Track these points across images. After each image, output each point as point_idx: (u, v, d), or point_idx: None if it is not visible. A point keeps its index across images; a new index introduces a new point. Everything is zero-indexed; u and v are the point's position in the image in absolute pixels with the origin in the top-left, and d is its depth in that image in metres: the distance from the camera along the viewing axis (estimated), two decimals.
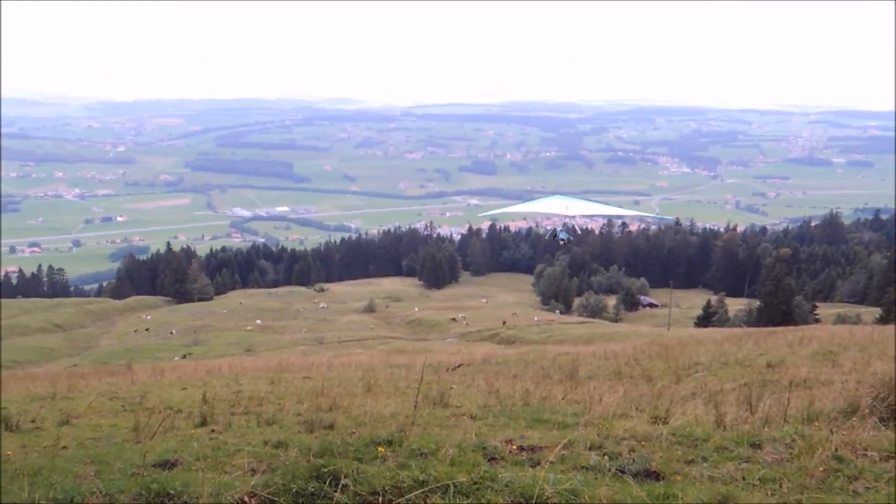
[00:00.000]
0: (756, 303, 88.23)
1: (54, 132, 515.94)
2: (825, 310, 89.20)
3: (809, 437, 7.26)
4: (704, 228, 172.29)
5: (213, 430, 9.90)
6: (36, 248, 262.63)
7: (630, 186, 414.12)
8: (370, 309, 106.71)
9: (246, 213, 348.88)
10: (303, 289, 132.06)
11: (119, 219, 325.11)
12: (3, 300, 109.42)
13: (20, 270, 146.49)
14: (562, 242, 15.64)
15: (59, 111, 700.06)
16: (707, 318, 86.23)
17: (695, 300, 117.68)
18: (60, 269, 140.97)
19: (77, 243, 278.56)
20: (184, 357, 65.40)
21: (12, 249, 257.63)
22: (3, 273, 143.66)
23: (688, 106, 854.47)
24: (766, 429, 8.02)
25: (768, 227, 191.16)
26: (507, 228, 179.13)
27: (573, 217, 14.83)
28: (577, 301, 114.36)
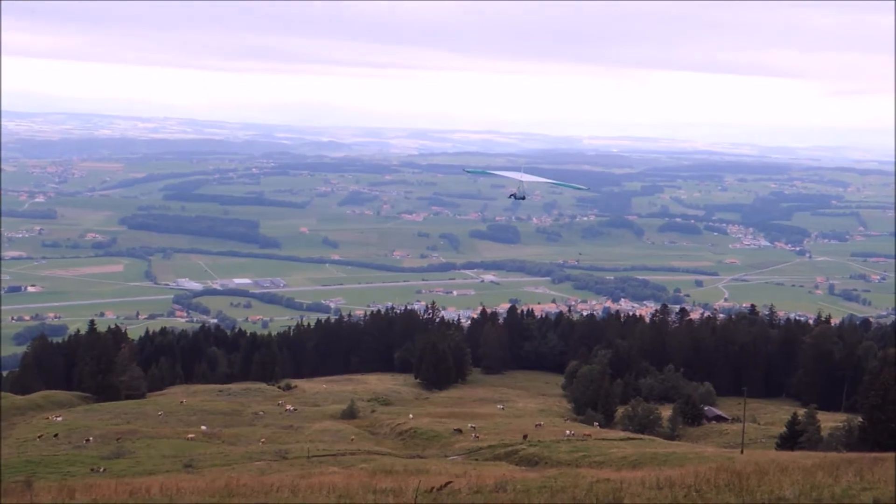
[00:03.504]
0: (857, 419, 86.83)
1: None
2: None
3: None
4: (788, 319, 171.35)
5: None
6: None
7: (690, 262, 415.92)
8: (350, 414, 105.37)
9: (195, 285, 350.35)
10: (264, 385, 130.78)
11: (30, 289, 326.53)
12: None
13: None
14: (520, 199, 49.48)
15: None
16: (793, 438, 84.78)
17: (776, 413, 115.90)
18: None
19: None
20: (101, 472, 64.24)
21: None
22: None
23: (766, 160, 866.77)
24: None
25: (872, 319, 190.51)
26: (530, 313, 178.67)
27: (524, 183, 45.32)
28: (620, 411, 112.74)
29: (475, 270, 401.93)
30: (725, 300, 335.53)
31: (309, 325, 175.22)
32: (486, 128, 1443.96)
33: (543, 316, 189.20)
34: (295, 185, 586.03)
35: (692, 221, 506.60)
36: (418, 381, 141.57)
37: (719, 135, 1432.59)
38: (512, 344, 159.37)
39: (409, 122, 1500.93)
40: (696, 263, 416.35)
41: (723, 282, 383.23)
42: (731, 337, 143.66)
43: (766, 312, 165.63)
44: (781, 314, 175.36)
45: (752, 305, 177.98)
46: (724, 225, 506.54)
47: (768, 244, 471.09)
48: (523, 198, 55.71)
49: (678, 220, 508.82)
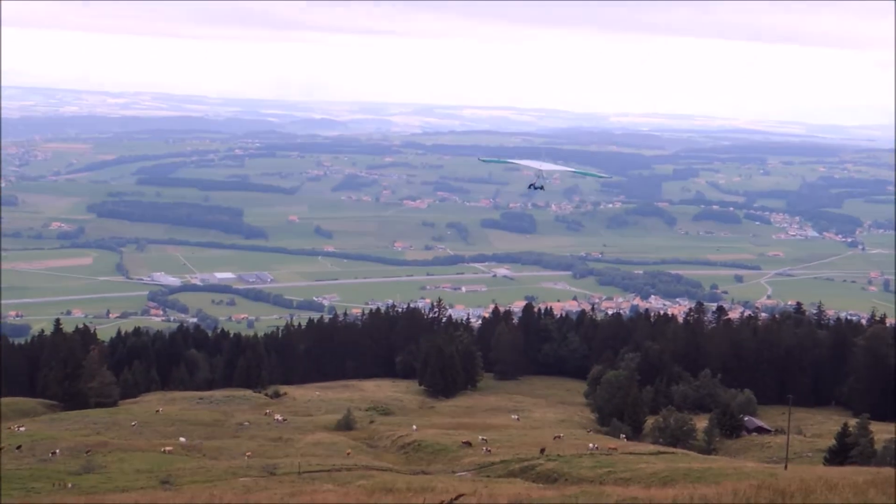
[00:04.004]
0: None
1: None
2: None
3: None
4: (839, 319, 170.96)
5: None
6: None
7: (729, 255, 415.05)
8: (346, 425, 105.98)
9: (172, 279, 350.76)
10: (249, 393, 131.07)
11: None
12: None
13: None
14: (539, 189, 58.87)
15: None
16: (843, 452, 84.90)
17: (825, 424, 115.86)
18: None
19: None
20: (69, 488, 64.51)
21: None
22: None
23: (814, 141, 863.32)
24: None
25: None
26: (548, 312, 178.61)
27: (543, 172, 55.97)
28: (650, 421, 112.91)
29: (486, 264, 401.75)
30: (768, 298, 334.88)
31: (300, 325, 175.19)
32: (499, 104, 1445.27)
33: (563, 315, 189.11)
34: (283, 167, 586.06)
35: (731, 209, 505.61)
36: (422, 388, 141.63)
37: (762, 112, 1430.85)
38: (528, 347, 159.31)
39: (412, 98, 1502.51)
40: (736, 256, 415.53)
41: (765, 277, 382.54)
42: (775, 339, 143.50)
43: (814, 311, 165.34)
44: (831, 313, 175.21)
45: (799, 304, 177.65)
46: (767, 213, 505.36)
47: (816, 235, 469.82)
48: (542, 188, 58.75)
49: (715, 207, 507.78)
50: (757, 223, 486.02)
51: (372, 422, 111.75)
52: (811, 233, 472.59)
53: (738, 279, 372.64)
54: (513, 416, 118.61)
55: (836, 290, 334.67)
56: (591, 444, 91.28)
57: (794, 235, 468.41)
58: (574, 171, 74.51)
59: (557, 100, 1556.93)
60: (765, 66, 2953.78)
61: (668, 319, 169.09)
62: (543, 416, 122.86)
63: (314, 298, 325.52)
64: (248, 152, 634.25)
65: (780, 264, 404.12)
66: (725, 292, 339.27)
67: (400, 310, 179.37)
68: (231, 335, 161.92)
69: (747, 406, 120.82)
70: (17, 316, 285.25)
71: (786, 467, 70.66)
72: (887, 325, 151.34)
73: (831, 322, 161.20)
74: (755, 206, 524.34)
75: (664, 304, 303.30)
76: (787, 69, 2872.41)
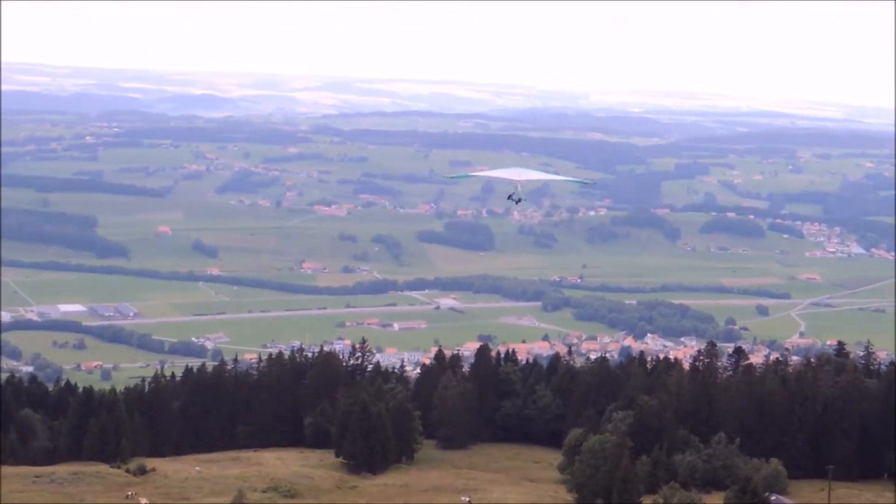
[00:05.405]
0: None
1: None
2: None
3: None
4: (892, 364, 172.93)
5: None
6: None
7: (749, 279, 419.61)
8: None
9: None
10: (104, 468, 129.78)
11: None
12: None
13: None
14: (518, 201, 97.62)
15: None
16: None
17: (875, 503, 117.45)
18: None
19: None
20: None
21: None
22: None
23: (856, 127, 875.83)
24: None
25: None
26: (510, 356, 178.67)
27: (521, 182, 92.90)
28: (647, 502, 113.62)
29: (427, 292, 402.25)
30: (801, 336, 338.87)
31: (173, 375, 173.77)
32: (442, 76, 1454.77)
33: (531, 361, 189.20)
34: (151, 161, 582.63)
35: (751, 217, 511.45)
36: (340, 460, 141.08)
37: (789, 89, 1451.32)
38: (483, 404, 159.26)
39: (323, 68, 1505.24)
40: (758, 280, 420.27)
41: (797, 308, 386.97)
42: (810, 391, 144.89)
43: (861, 353, 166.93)
44: (883, 356, 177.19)
45: (840, 343, 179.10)
46: (799, 223, 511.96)
47: (862, 251, 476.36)
48: (521, 200, 63.65)
49: (731, 215, 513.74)
50: (785, 236, 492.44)
51: None
52: (855, 249, 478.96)
53: (762, 311, 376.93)
54: (463, 499, 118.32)
55: (888, 325, 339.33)
56: None
57: (833, 252, 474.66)
58: (566, 180, 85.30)
59: (519, 72, 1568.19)
60: (788, 29, 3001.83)
61: (670, 366, 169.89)
62: (503, 497, 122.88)
63: (193, 339, 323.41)
64: (103, 140, 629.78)
65: (815, 291, 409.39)
66: (745, 329, 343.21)
67: (310, 355, 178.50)
68: (80, 390, 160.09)
69: (775, 481, 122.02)
70: None
71: None
72: None
73: (883, 367, 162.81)
74: (782, 213, 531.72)
75: (665, 346, 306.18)
76: (816, 32, 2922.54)
